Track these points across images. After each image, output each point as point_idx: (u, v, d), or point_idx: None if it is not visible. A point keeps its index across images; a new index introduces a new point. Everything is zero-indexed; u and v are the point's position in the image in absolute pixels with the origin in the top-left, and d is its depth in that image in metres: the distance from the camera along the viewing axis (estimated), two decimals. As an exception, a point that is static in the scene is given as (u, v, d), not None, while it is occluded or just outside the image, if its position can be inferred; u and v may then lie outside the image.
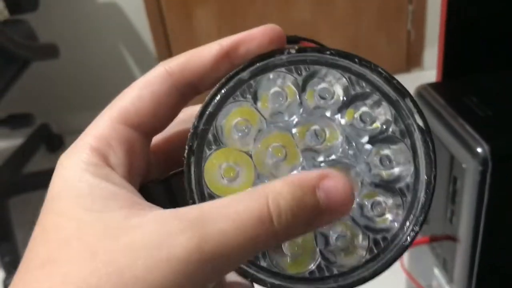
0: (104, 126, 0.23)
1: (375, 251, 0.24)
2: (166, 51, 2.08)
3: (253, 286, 0.26)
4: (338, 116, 0.25)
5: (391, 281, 1.21)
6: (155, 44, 2.07)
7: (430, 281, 0.92)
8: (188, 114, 0.26)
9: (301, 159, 0.25)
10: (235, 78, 0.24)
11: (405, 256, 0.98)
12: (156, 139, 0.25)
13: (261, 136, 0.24)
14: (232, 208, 0.20)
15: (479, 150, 0.68)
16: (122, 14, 2.00)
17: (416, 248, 0.95)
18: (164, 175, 0.25)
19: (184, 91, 0.24)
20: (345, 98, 0.25)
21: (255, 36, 0.24)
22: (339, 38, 2.15)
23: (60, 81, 2.01)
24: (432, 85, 0.83)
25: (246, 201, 0.20)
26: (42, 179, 1.98)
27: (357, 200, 0.25)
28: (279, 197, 0.20)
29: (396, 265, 1.02)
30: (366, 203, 0.25)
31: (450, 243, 0.81)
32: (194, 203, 0.24)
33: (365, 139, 0.25)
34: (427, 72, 2.18)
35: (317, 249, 0.25)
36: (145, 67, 2.07)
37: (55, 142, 2.08)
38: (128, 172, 0.22)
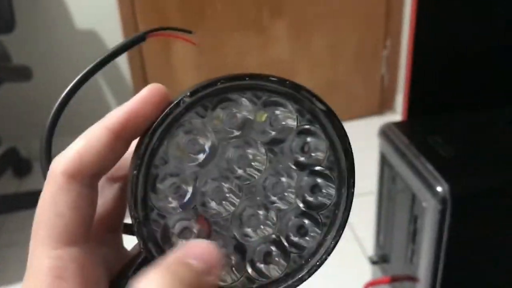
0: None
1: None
2: (143, 83, 2.08)
3: None
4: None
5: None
6: (132, 76, 2.07)
7: (390, 322, 0.90)
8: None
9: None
10: (147, 151, 0.24)
11: (367, 296, 0.97)
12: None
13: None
14: None
15: (439, 189, 0.69)
16: (100, 42, 2.00)
17: (378, 288, 0.93)
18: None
19: (88, 183, 0.24)
20: (251, 117, 0.26)
21: (139, 109, 0.24)
22: (316, 79, 2.18)
23: (31, 105, 1.98)
24: (396, 124, 0.84)
25: None
26: (7, 204, 1.90)
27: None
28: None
29: (358, 306, 0.99)
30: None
31: (411, 284, 0.80)
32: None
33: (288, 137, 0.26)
34: (399, 115, 2.22)
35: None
36: (121, 97, 2.06)
37: (23, 167, 2.03)
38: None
